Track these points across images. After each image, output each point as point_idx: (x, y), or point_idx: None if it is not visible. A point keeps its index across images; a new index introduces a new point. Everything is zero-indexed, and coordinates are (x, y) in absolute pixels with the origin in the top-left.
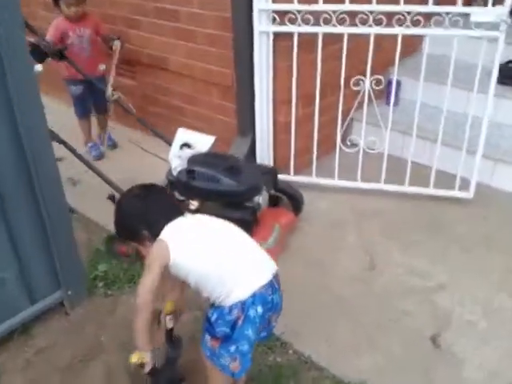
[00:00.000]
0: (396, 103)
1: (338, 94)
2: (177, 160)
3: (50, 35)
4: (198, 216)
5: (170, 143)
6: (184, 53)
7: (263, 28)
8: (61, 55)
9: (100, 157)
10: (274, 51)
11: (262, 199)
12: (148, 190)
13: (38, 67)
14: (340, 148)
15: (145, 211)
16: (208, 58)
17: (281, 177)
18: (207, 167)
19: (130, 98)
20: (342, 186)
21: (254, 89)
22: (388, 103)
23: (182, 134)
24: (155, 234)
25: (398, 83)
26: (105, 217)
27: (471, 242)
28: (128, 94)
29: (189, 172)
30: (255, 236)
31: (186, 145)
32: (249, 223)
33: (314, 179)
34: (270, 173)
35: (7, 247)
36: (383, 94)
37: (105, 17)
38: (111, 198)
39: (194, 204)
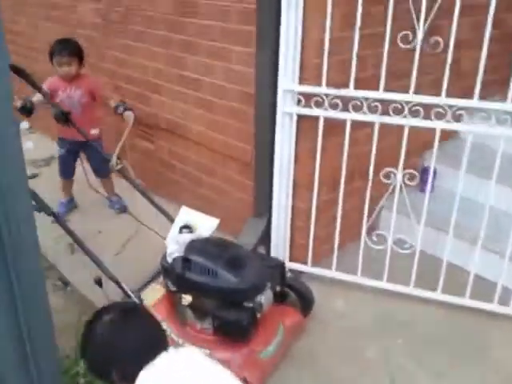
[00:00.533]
0: (431, 190)
1: (365, 180)
2: (174, 245)
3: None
4: (184, 355)
5: (172, 222)
6: (204, 123)
7: (287, 109)
8: (66, 119)
9: (64, 214)
10: (297, 132)
11: (264, 298)
12: (126, 313)
13: (25, 124)
14: (365, 241)
15: (118, 345)
16: (228, 130)
17: (296, 266)
18: (205, 257)
19: (147, 162)
20: (365, 284)
21: (273, 169)
22: (422, 190)
23: (185, 215)
24: (127, 379)
25: (434, 170)
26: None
27: None
28: (145, 157)
29: (184, 261)
30: (254, 342)
31: (186, 227)
32: (245, 328)
33: (333, 273)
34: (278, 267)
35: None
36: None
37: (130, 79)
38: (98, 282)
39: (186, 299)
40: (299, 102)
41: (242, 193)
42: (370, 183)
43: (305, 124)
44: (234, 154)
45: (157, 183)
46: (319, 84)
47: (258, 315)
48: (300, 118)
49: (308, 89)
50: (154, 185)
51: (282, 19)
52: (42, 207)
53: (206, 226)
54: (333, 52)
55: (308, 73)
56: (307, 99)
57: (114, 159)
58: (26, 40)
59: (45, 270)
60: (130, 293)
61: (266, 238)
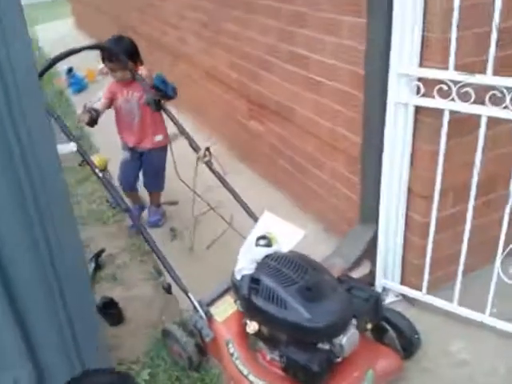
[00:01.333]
0: None
1: (502, 190)
2: (245, 259)
3: (103, 96)
4: None
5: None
6: (311, 107)
7: (402, 98)
8: (157, 106)
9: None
10: (415, 129)
11: (346, 340)
12: None
13: (73, 147)
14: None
15: None
16: (336, 118)
17: (407, 291)
18: (276, 281)
19: (257, 144)
20: (496, 326)
21: (381, 171)
22: None
23: (266, 221)
24: None
25: None
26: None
27: None
28: (255, 140)
29: (252, 281)
30: None
31: (264, 238)
32: (317, 374)
33: (453, 306)
34: (371, 300)
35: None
36: None
37: (244, 54)
38: (167, 289)
39: (251, 326)
40: (418, 90)
41: (349, 191)
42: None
43: (425, 119)
44: (342, 145)
45: (265, 168)
46: (445, 67)
47: (336, 360)
48: (418, 110)
49: (430, 73)
50: (262, 170)
51: None
52: (117, 202)
53: (288, 238)
54: (464, 24)
55: (431, 52)
56: (429, 87)
57: (201, 151)
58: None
59: (144, 254)
60: (197, 306)
61: (371, 249)
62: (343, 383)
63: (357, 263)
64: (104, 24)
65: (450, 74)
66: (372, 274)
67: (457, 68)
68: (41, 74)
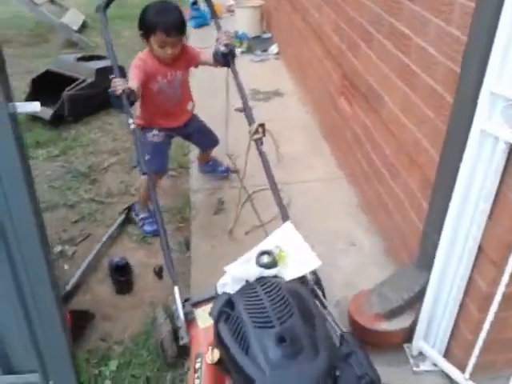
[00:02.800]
0: None
1: None
2: (236, 272)
3: (134, 78)
4: None
5: None
6: (400, 101)
7: (490, 127)
8: (226, 62)
9: (153, 233)
10: (505, 171)
11: None
12: None
13: (36, 106)
14: None
15: None
16: (422, 124)
17: (449, 370)
18: (250, 315)
19: (341, 127)
20: None
21: (447, 211)
22: None
23: (284, 234)
24: None
25: None
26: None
27: None
28: (341, 122)
29: (227, 304)
30: None
31: (268, 254)
32: None
33: None
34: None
35: None
36: None
37: (348, 18)
38: (157, 272)
39: (212, 355)
40: None
41: (418, 218)
42: None
43: None
44: (421, 159)
45: (344, 157)
46: None
47: None
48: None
49: None
50: (341, 157)
51: None
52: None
53: (298, 264)
54: None
55: None
56: None
57: (254, 126)
58: None
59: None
60: (179, 304)
61: (417, 303)
62: None
63: (396, 312)
64: None
65: None
66: (411, 331)
67: None
68: (105, 7)
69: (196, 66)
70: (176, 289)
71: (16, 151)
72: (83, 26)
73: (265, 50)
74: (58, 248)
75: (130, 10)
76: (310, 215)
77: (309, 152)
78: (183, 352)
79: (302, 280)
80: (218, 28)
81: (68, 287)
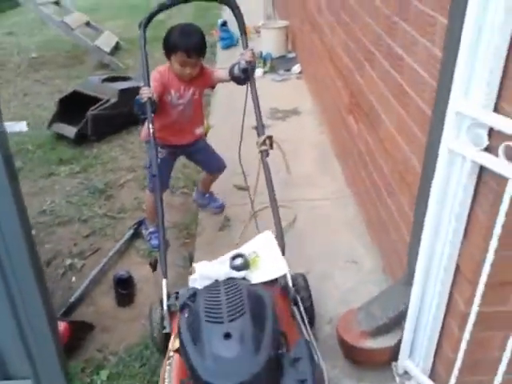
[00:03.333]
0: None
1: None
2: (208, 270)
3: (154, 89)
4: None
5: None
6: (395, 121)
7: (457, 147)
8: (245, 78)
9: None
10: (476, 190)
11: None
12: None
13: (23, 126)
14: None
15: None
16: (412, 143)
17: None
18: (205, 309)
19: (349, 145)
20: None
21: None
22: None
23: (262, 241)
24: None
25: None
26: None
27: None
28: (348, 139)
29: (191, 296)
30: None
31: (240, 257)
32: None
33: None
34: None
35: None
36: None
37: (354, 38)
38: (152, 264)
39: (174, 343)
40: (480, 141)
41: (409, 235)
42: None
43: (490, 179)
44: (409, 177)
45: (352, 175)
46: None
47: None
48: (483, 169)
49: (502, 122)
50: (349, 175)
51: None
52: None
53: (269, 269)
54: None
55: (510, 92)
56: (495, 140)
57: (262, 138)
58: None
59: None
60: (164, 296)
61: (403, 321)
62: None
63: (381, 330)
64: None
65: None
66: (398, 349)
67: None
68: (145, 24)
69: (213, 88)
70: (164, 282)
71: (3, 168)
72: (116, 49)
73: (288, 70)
74: (68, 261)
75: (164, 32)
76: (315, 232)
77: (319, 170)
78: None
79: (284, 288)
80: (246, 45)
81: (72, 299)
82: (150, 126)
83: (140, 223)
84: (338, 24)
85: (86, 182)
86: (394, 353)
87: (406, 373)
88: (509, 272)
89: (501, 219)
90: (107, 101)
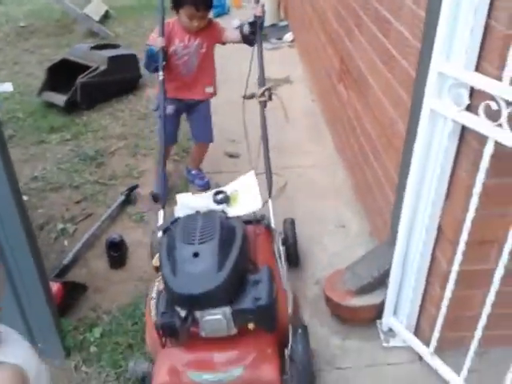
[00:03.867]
0: None
1: None
2: (191, 201)
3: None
4: None
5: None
6: (383, 85)
7: (438, 107)
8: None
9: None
10: (458, 150)
11: (203, 319)
12: None
13: (8, 87)
14: None
15: None
16: (398, 106)
17: (413, 342)
18: (181, 232)
19: (339, 112)
20: None
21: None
22: None
23: (245, 180)
24: None
25: None
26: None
27: None
28: (338, 106)
29: (173, 222)
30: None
31: (222, 193)
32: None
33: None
34: (257, 304)
35: None
36: None
37: (344, 2)
38: (154, 196)
39: (155, 261)
40: (461, 100)
41: (392, 197)
42: None
43: (472, 139)
44: (396, 141)
45: (341, 141)
46: (500, 76)
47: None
48: (464, 129)
49: (477, 81)
50: (339, 142)
51: None
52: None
53: (244, 205)
54: None
55: (490, 51)
56: (476, 100)
57: (261, 89)
58: None
59: None
60: (160, 222)
61: (388, 280)
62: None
63: (366, 289)
64: None
65: (502, 88)
66: (383, 307)
67: None
68: None
69: (223, 44)
70: (161, 212)
71: None
72: (106, 17)
73: (280, 38)
74: (60, 226)
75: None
76: (304, 198)
77: (310, 138)
78: None
79: (267, 227)
80: (257, 1)
81: (65, 261)
82: (161, 73)
83: (131, 189)
84: None
85: (76, 150)
86: (378, 311)
87: (390, 330)
88: (488, 230)
89: (481, 177)
90: (96, 68)
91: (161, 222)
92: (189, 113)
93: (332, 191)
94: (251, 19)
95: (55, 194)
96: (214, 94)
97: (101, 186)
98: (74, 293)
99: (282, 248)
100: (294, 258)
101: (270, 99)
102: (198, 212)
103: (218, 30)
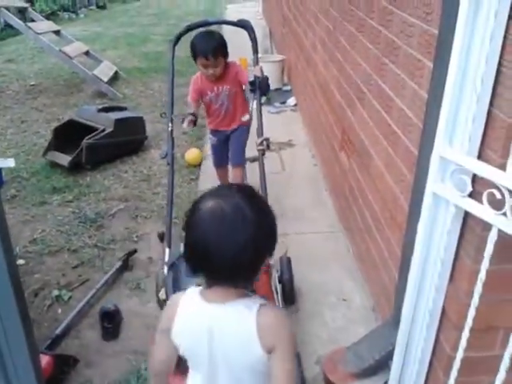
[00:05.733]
0: None
1: None
2: None
3: (190, 96)
4: None
5: None
6: (384, 159)
7: (441, 191)
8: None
9: None
10: (462, 234)
11: None
12: None
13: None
14: None
15: None
16: (401, 183)
17: None
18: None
19: (340, 180)
20: None
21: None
22: None
23: None
24: None
25: None
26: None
27: None
28: (340, 174)
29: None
30: None
31: None
32: None
33: None
34: None
35: None
36: None
37: (346, 76)
38: (160, 236)
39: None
40: (464, 186)
41: (396, 273)
42: None
43: (475, 225)
44: (399, 217)
45: (342, 210)
46: (504, 165)
47: None
48: (467, 213)
49: (480, 169)
50: (340, 210)
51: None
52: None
53: None
54: None
55: (494, 139)
56: (479, 186)
57: (260, 139)
58: None
59: None
60: (166, 260)
61: (390, 361)
62: None
63: (368, 372)
64: (275, 14)
65: (506, 178)
66: None
67: None
68: (175, 41)
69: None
70: (167, 251)
71: None
72: (115, 78)
73: (283, 102)
74: (55, 292)
75: (164, 63)
76: (305, 267)
77: (311, 204)
78: None
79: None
80: (257, 62)
81: (57, 331)
82: (170, 124)
83: (130, 254)
84: (331, 61)
85: (77, 211)
86: None
87: None
88: (494, 317)
89: (485, 264)
90: (103, 130)
91: (166, 260)
92: (229, 139)
93: (334, 260)
94: (251, 78)
95: (52, 258)
96: (250, 120)
97: (99, 249)
98: (64, 366)
99: (278, 285)
100: (289, 296)
101: (268, 148)
102: None
103: (236, 72)
